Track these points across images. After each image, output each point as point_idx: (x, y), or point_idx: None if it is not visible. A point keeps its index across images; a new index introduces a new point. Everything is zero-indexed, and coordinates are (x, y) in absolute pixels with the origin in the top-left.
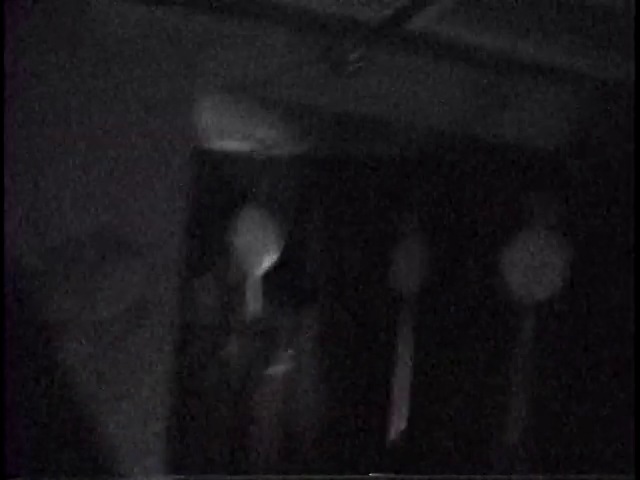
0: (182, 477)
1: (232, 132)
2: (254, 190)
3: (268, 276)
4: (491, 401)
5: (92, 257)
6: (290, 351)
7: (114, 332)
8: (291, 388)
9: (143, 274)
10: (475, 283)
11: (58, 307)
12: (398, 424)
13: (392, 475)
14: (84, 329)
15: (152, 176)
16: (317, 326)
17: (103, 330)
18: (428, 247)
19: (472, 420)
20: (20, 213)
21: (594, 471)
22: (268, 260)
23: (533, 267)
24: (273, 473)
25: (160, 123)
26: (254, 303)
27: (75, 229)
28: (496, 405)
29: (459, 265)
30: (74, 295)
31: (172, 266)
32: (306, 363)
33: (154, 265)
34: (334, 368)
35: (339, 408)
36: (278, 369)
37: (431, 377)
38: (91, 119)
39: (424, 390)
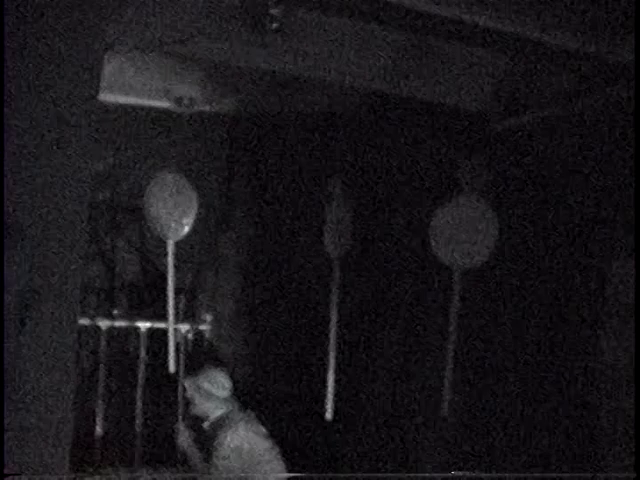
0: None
1: (149, 90)
2: (171, 151)
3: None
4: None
5: None
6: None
7: (3, 327)
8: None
9: (31, 259)
10: (402, 247)
11: None
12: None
13: (391, 474)
14: None
15: (52, 144)
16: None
17: None
18: (356, 209)
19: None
20: None
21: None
22: (186, 225)
23: (462, 234)
24: None
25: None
26: (173, 269)
27: None
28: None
29: (387, 228)
30: None
31: (68, 246)
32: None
33: (46, 248)
34: (265, 334)
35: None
36: None
37: (358, 342)
38: None
39: (354, 359)
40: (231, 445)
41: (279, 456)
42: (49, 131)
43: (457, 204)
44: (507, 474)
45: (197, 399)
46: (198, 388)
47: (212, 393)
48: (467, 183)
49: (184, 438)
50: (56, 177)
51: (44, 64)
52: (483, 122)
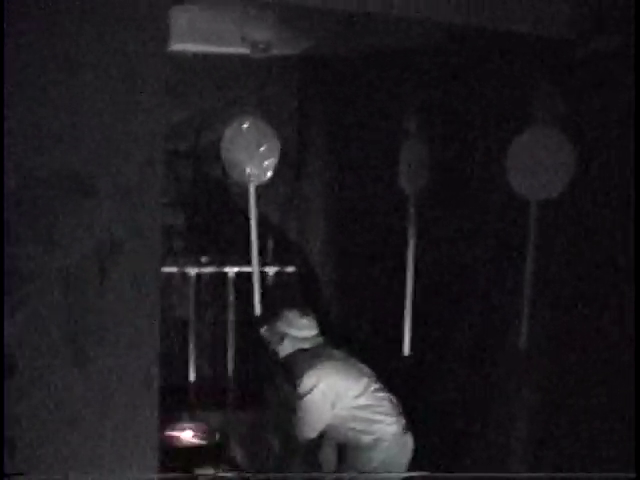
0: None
1: (224, 38)
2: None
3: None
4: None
5: (52, 199)
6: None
7: (84, 278)
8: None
9: (109, 213)
10: (480, 181)
11: (22, 255)
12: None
13: (394, 474)
14: (51, 277)
15: (123, 98)
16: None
17: (73, 277)
18: (433, 144)
19: None
20: None
21: (594, 470)
22: (267, 169)
23: (539, 165)
24: None
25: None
26: (256, 213)
27: (33, 171)
28: None
29: (464, 162)
30: (37, 241)
31: (145, 197)
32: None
33: (122, 199)
34: (345, 272)
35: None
36: None
37: (437, 279)
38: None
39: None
40: (310, 382)
41: (391, 409)
42: (120, 85)
43: (533, 134)
44: (508, 474)
45: (273, 342)
46: (274, 332)
47: (288, 333)
48: (544, 113)
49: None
50: (128, 129)
51: (111, 20)
52: (561, 49)
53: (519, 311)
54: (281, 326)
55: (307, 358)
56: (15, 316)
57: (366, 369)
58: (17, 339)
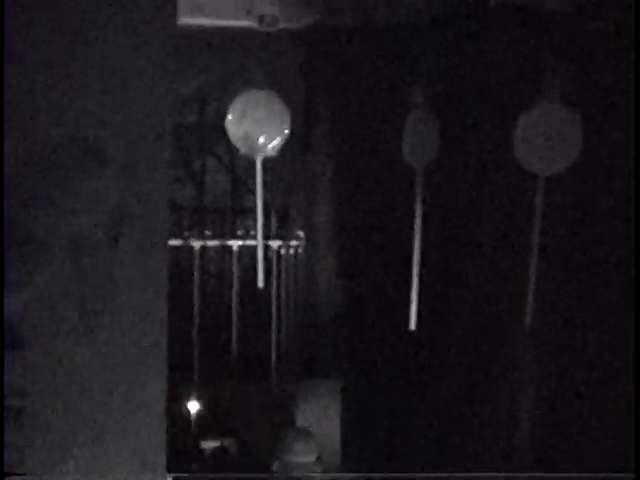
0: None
1: (230, 11)
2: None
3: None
4: None
5: (67, 165)
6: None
7: (94, 244)
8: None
9: (120, 182)
10: (487, 156)
11: (37, 221)
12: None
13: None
14: (63, 242)
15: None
16: (330, 206)
17: (83, 242)
18: (439, 118)
19: None
20: None
21: (594, 471)
22: (276, 141)
23: (547, 140)
24: None
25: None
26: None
27: (50, 135)
28: None
29: (470, 137)
30: (51, 206)
31: (153, 168)
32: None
33: (131, 169)
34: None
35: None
36: None
37: (444, 256)
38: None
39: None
40: None
41: None
42: (129, 59)
43: (542, 109)
44: (506, 474)
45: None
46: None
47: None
48: (554, 88)
49: None
50: (137, 102)
51: None
52: (570, 24)
53: (525, 287)
54: (277, 449)
55: None
56: (25, 285)
57: None
58: (26, 309)
